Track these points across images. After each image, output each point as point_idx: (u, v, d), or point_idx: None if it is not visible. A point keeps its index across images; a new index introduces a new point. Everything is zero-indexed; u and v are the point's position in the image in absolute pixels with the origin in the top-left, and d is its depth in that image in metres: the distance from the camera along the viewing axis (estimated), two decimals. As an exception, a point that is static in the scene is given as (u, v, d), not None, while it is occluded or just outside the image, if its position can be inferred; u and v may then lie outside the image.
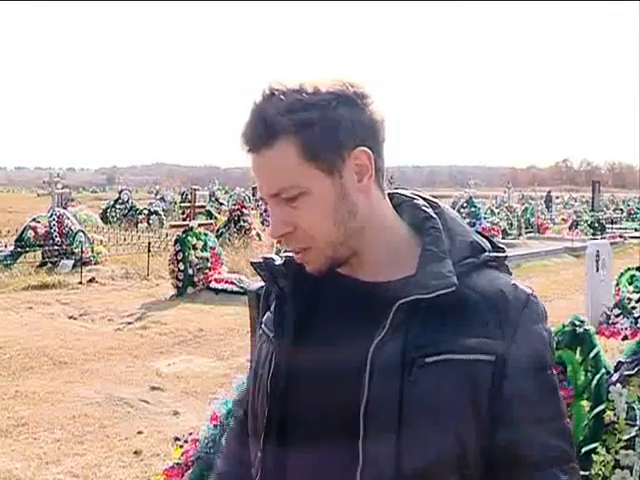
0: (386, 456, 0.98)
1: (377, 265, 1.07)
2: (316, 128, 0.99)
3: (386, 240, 1.07)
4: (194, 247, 10.49)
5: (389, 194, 1.14)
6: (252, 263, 1.18)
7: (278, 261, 1.14)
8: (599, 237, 18.69)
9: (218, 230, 15.53)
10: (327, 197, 1.02)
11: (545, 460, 1.01)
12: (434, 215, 1.10)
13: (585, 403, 2.67)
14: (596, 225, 21.65)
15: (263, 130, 1.00)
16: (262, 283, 1.20)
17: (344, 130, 1.01)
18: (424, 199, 1.15)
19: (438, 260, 1.03)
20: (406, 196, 1.15)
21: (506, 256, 1.13)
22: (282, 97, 1.00)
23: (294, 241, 1.06)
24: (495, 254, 1.10)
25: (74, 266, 12.16)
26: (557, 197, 36.46)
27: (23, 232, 12.81)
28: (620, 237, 19.77)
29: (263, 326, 1.17)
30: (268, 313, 1.16)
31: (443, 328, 1.00)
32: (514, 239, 19.03)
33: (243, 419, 1.21)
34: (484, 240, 1.12)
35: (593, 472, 2.57)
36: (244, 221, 16.21)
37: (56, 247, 12.53)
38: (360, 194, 1.04)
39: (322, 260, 1.05)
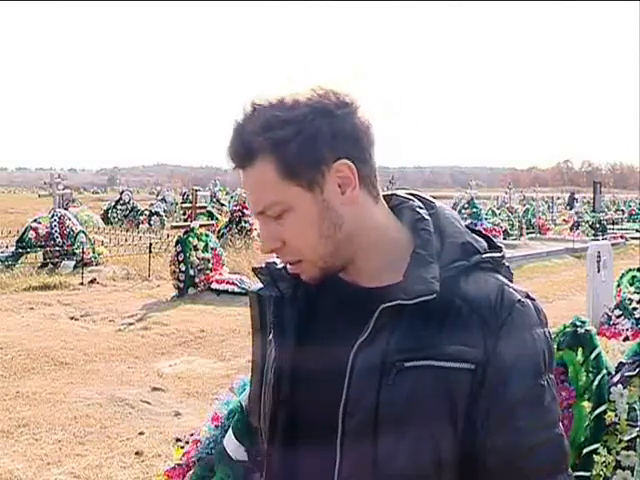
0: (363, 455, 0.99)
1: (373, 270, 1.07)
2: (292, 145, 0.98)
3: (380, 246, 1.06)
4: (195, 248, 10.49)
5: (387, 195, 1.12)
6: (254, 269, 1.17)
7: (280, 264, 1.13)
8: (600, 238, 18.68)
9: (219, 231, 15.52)
10: (310, 212, 1.01)
11: (517, 472, 1.00)
12: (427, 216, 1.08)
13: (586, 404, 2.67)
14: (597, 226, 21.63)
15: (242, 149, 1.01)
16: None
17: (322, 144, 0.99)
18: (420, 199, 1.13)
19: (424, 264, 1.02)
20: (402, 197, 1.13)
21: (502, 256, 1.10)
22: (260, 114, 1.00)
23: (285, 255, 1.06)
24: (489, 255, 1.07)
25: (75, 267, 12.18)
26: (558, 198, 36.45)
27: (24, 233, 12.80)
28: (621, 238, 19.78)
29: (272, 331, 1.16)
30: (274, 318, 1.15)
31: (425, 334, 0.99)
32: (515, 240, 19.03)
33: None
34: (480, 240, 1.09)
35: (594, 473, 2.58)
36: (245, 222, 16.19)
37: (57, 248, 12.53)
38: (345, 206, 1.03)
39: (314, 270, 1.06)
